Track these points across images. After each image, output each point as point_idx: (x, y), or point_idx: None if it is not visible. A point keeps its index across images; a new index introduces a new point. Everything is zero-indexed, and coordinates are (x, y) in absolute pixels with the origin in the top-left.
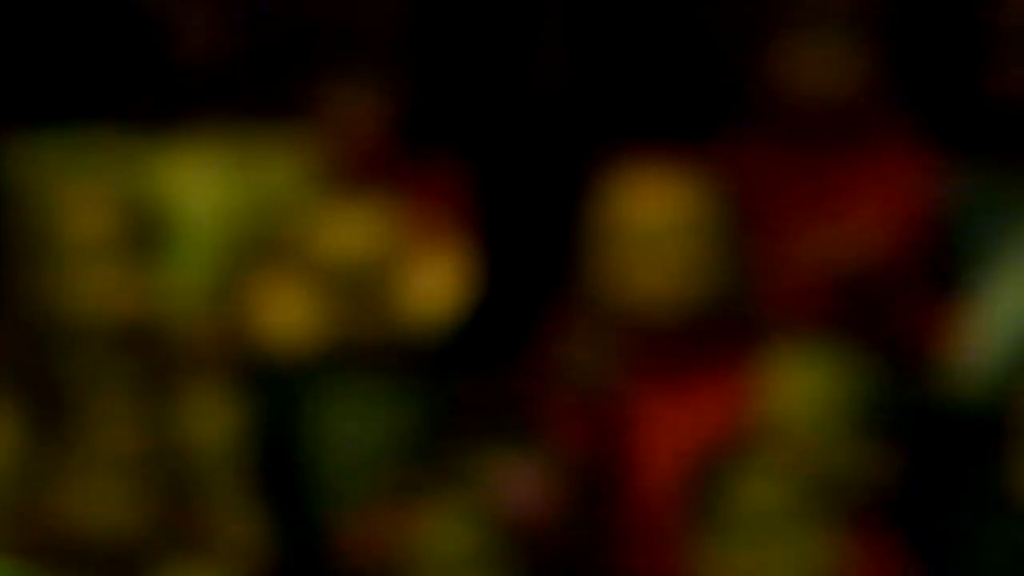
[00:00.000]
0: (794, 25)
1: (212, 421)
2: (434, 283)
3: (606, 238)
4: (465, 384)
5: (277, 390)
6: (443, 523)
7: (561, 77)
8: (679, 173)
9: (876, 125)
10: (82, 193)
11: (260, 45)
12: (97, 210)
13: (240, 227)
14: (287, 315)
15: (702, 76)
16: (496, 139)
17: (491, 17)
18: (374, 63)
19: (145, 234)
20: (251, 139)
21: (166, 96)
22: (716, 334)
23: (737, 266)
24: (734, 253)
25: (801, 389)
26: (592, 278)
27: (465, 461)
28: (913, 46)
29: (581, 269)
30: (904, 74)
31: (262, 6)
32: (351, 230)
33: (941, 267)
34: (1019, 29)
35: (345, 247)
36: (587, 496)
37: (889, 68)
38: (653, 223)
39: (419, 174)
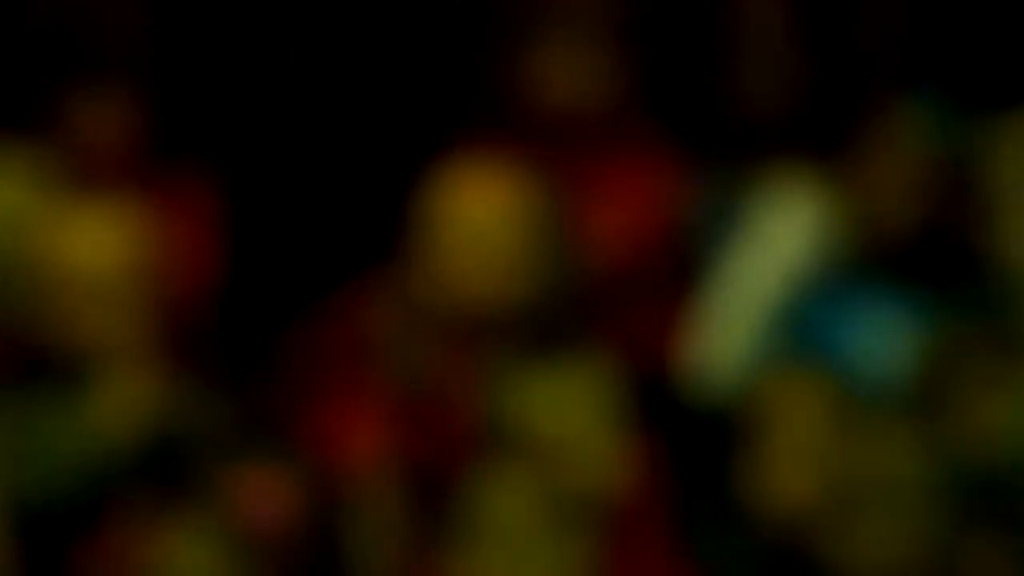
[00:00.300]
0: (541, 31)
1: None
2: (179, 287)
3: (429, 236)
4: (213, 393)
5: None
6: (185, 538)
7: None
8: (495, 172)
9: (619, 130)
10: None
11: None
12: None
13: None
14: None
15: (450, 78)
16: (249, 144)
17: (243, 22)
18: (117, 73)
19: None
20: None
21: None
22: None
23: (560, 260)
24: (555, 247)
25: (548, 392)
26: (411, 276)
27: (209, 474)
28: (655, 52)
29: (391, 268)
30: (646, 80)
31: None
32: (93, 237)
33: (681, 270)
34: (754, 35)
35: (87, 254)
36: (333, 508)
37: (632, 74)
38: (477, 219)
39: (166, 183)
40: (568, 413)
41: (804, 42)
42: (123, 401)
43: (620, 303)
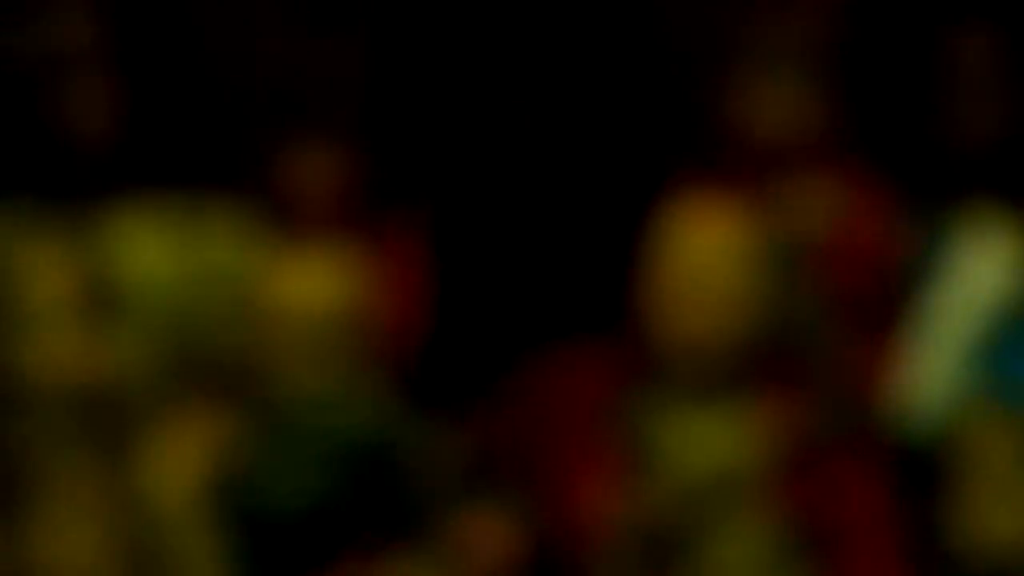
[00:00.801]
0: (749, 65)
1: (173, 480)
2: (392, 332)
3: (656, 276)
4: (435, 434)
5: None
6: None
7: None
8: (725, 207)
9: (829, 165)
10: (39, 259)
11: (213, 110)
12: (54, 276)
13: (193, 291)
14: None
15: (663, 115)
16: (462, 192)
17: (457, 70)
18: (330, 124)
19: (100, 300)
20: (201, 204)
21: (115, 165)
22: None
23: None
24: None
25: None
26: (642, 318)
27: (436, 512)
28: (866, 86)
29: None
30: (857, 114)
31: (215, 71)
32: (308, 285)
33: (891, 306)
34: (970, 71)
35: (302, 302)
36: (558, 556)
37: (842, 108)
38: (704, 258)
39: (379, 231)
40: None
41: (1014, 78)
42: (342, 442)
43: (839, 339)
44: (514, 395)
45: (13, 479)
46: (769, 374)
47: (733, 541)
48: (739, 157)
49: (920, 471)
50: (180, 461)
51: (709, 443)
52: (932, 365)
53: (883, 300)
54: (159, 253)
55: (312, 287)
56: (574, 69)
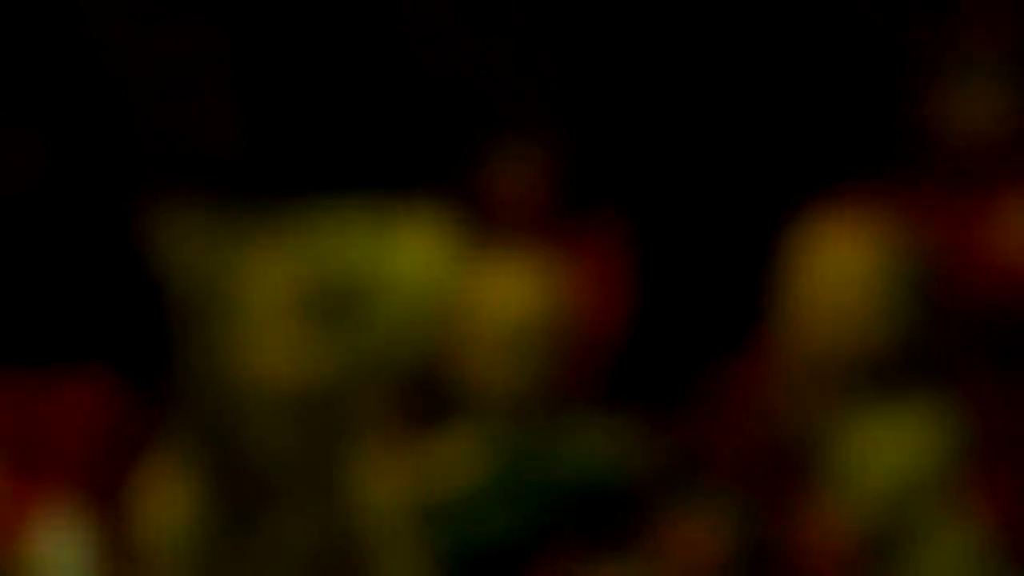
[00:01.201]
0: (948, 66)
1: (385, 493)
2: (593, 335)
3: (799, 285)
4: (638, 435)
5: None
6: None
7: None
8: (868, 219)
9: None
10: (262, 260)
11: (413, 113)
12: (277, 278)
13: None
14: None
15: (872, 120)
16: (660, 192)
17: (649, 73)
18: (529, 127)
19: (324, 302)
20: (405, 208)
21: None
22: (902, 378)
23: (925, 311)
24: (922, 297)
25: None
26: (785, 325)
27: (643, 519)
28: None
29: (769, 316)
30: None
31: (415, 74)
32: (508, 289)
33: None
34: None
35: (502, 306)
36: (763, 558)
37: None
38: (846, 269)
39: (579, 233)
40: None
41: None
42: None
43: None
44: (711, 395)
45: (232, 492)
46: (962, 375)
47: (934, 548)
48: (935, 160)
49: None
50: (390, 476)
51: (897, 448)
52: None
53: None
54: (363, 257)
55: (514, 293)
56: (764, 67)
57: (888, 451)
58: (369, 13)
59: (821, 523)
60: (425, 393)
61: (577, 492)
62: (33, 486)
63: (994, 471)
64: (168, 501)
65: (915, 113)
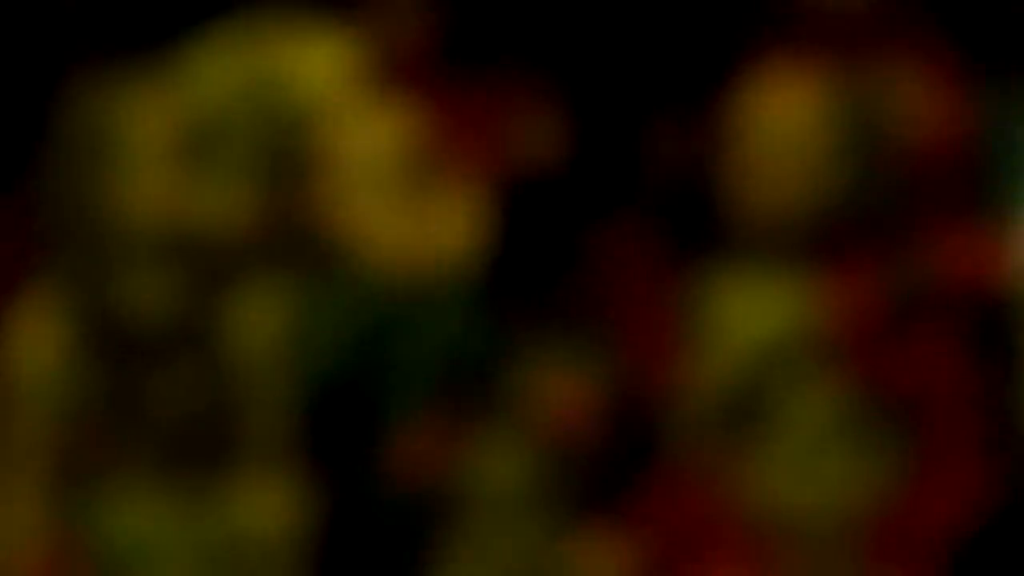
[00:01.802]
0: None
1: (259, 333)
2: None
3: (735, 143)
4: (515, 297)
5: (338, 303)
6: (492, 443)
7: None
8: (803, 79)
9: (902, 36)
10: (135, 102)
11: None
12: (150, 119)
13: (275, 127)
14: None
15: None
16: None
17: None
18: None
19: (195, 142)
20: (291, 33)
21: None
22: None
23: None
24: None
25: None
26: (724, 183)
27: (516, 378)
28: None
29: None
30: None
31: None
32: (377, 128)
33: (969, 180)
34: None
35: (369, 144)
36: (638, 416)
37: None
38: (782, 128)
39: (462, 85)
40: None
41: None
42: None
43: (913, 212)
44: (593, 250)
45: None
46: (841, 245)
47: (803, 407)
48: (814, 29)
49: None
50: (261, 313)
51: (772, 310)
52: None
53: (956, 174)
54: (246, 87)
55: (381, 132)
56: None
57: (756, 313)
58: None
59: (689, 380)
60: (296, 243)
61: (442, 360)
62: None
63: (869, 340)
64: (36, 343)
65: None
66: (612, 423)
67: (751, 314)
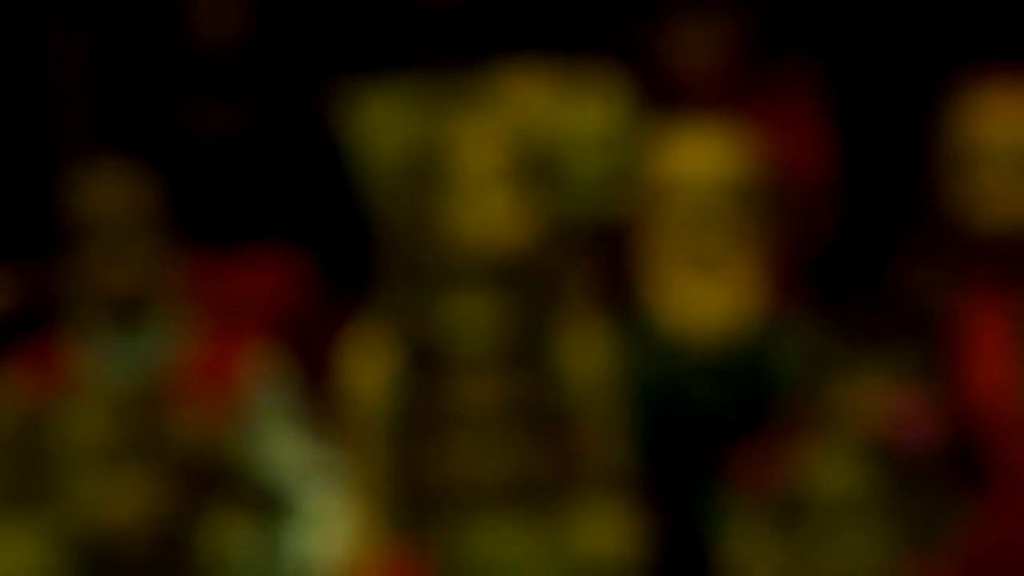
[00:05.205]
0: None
1: (587, 358)
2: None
3: (960, 158)
4: (846, 309)
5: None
6: (827, 456)
7: None
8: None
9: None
10: (470, 129)
11: None
12: (486, 144)
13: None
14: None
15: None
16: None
17: None
18: None
19: (531, 167)
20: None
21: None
22: None
23: None
24: None
25: None
26: (943, 198)
27: (852, 391)
28: None
29: (931, 188)
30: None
31: None
32: (695, 154)
33: None
34: None
35: (690, 171)
36: (967, 433)
37: None
38: (1009, 143)
39: (772, 89)
40: None
41: None
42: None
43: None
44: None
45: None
46: None
47: None
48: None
49: None
50: (592, 345)
51: None
52: None
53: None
54: (547, 119)
55: (706, 157)
56: None
57: None
58: None
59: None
60: (613, 262)
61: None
62: (236, 346)
63: None
64: (370, 368)
65: None
66: (945, 436)
67: None
